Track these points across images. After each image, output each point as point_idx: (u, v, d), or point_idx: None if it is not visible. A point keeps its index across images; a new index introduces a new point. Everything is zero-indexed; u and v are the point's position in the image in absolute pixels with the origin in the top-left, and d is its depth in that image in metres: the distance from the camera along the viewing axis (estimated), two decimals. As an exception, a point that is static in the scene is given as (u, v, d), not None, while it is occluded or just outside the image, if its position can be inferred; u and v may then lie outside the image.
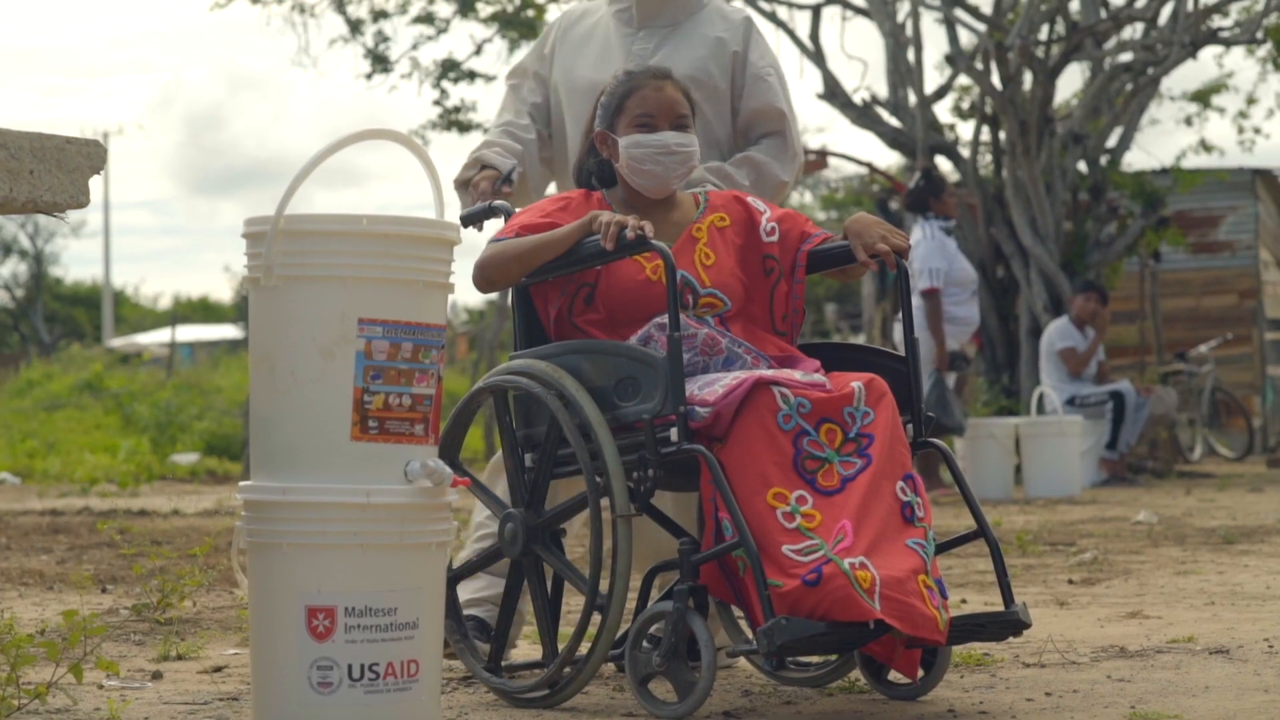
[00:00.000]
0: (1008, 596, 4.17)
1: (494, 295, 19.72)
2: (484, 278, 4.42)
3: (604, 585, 4.15)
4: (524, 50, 5.25)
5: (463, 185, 4.92)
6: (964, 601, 6.16)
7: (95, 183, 3.68)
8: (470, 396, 4.46)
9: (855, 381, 4.13)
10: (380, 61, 18.53)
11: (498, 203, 4.68)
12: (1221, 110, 19.16)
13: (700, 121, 4.81)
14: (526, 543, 4.33)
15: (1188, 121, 19.13)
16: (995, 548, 4.20)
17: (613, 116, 4.54)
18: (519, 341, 4.51)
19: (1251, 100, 19.15)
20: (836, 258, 4.51)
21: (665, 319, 4.22)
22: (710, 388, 4.06)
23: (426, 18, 18.21)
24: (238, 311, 46.13)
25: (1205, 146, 18.99)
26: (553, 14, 17.43)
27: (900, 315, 12.01)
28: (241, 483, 3.87)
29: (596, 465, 4.13)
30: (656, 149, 4.47)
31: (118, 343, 43.32)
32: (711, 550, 3.98)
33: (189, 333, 43.99)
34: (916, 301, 11.80)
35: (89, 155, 3.62)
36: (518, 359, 4.40)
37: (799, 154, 5.06)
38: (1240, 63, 43.57)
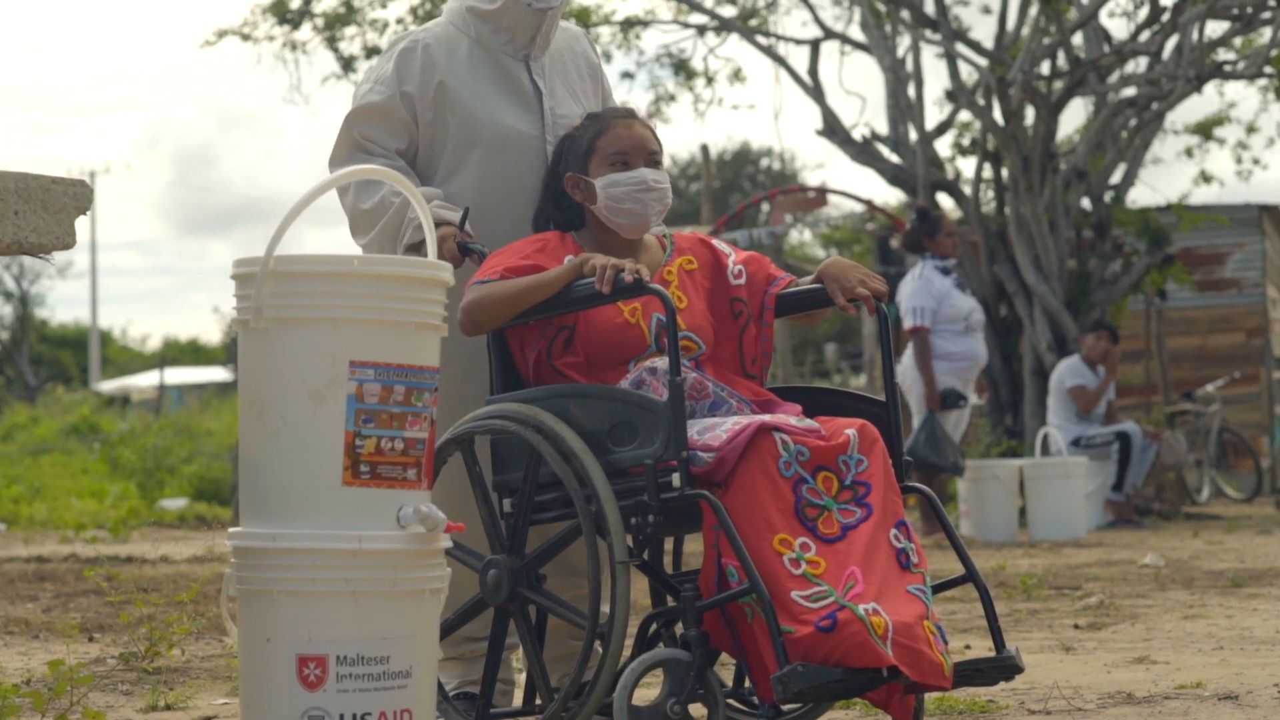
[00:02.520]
0: (999, 641, 4.19)
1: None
2: (472, 320, 4.36)
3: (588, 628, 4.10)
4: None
5: (414, 248, 4.55)
6: (968, 647, 6.09)
7: (81, 223, 3.69)
8: (438, 449, 4.33)
9: (849, 429, 4.13)
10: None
11: (473, 244, 4.54)
12: (1222, 142, 19.06)
13: None
14: (513, 587, 4.25)
15: (1189, 153, 19.05)
16: (984, 592, 4.22)
17: (583, 159, 4.50)
18: (495, 385, 4.45)
19: (1252, 129, 19.05)
20: (806, 301, 4.50)
21: (654, 363, 4.23)
22: (711, 433, 4.04)
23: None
24: (228, 353, 45.77)
25: (1205, 178, 18.91)
26: None
27: (900, 355, 12.10)
28: (231, 529, 3.83)
29: (590, 505, 4.07)
30: (635, 186, 4.44)
31: (105, 385, 43.03)
32: (719, 596, 3.96)
33: (178, 375, 43.49)
34: (934, 340, 11.82)
35: (75, 195, 3.63)
36: (496, 403, 4.34)
37: None
38: (1242, 92, 43.71)
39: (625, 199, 4.43)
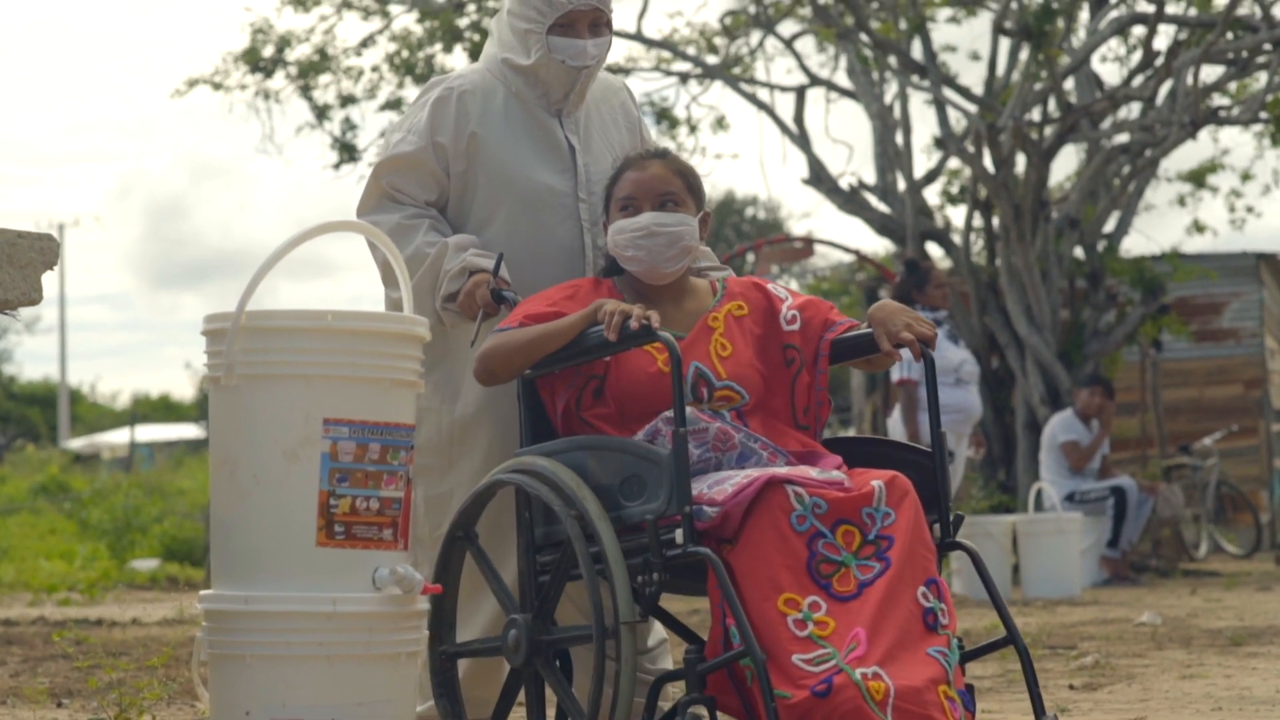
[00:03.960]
0: (1039, 708, 4.05)
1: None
2: (486, 369, 4.29)
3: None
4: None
5: (451, 298, 4.50)
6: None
7: (49, 278, 3.68)
8: (488, 485, 4.26)
9: (876, 480, 4.02)
10: (348, 150, 18.34)
11: (507, 292, 4.44)
12: (1215, 190, 18.94)
13: None
14: (529, 655, 4.15)
15: (1181, 202, 18.96)
16: (1025, 655, 4.09)
17: (606, 206, 4.47)
18: (525, 437, 4.36)
19: (1247, 177, 18.94)
20: (861, 347, 4.38)
21: (670, 413, 4.09)
22: (720, 486, 3.95)
23: (395, 103, 18.03)
24: (200, 410, 45.37)
25: (1198, 227, 18.83)
26: None
27: (892, 409, 11.99)
28: (203, 591, 3.78)
29: (601, 570, 3.95)
30: (636, 233, 4.35)
31: (75, 443, 42.65)
32: (718, 659, 3.87)
33: (149, 432, 42.85)
34: (921, 393, 11.70)
35: (42, 250, 3.66)
36: (525, 455, 4.24)
37: None
38: (1237, 138, 43.58)
39: (627, 246, 4.36)
